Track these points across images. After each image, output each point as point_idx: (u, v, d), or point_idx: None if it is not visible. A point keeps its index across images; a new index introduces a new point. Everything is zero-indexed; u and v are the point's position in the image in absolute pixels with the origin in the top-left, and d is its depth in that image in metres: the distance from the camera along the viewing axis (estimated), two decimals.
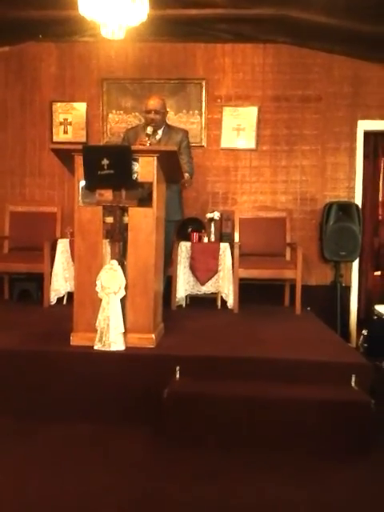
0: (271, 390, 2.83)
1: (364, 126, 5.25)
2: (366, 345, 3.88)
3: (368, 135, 5.32)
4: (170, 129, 4.14)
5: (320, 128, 5.28)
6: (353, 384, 2.90)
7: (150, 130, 3.72)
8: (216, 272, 4.66)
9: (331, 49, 5.13)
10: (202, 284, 4.69)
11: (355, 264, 5.30)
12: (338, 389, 2.85)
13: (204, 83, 5.28)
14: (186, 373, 2.94)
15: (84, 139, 5.33)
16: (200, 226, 5.04)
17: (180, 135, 4.15)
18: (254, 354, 3.13)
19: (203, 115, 5.30)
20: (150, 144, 3.65)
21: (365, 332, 3.97)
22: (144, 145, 3.58)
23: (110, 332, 3.05)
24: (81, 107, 5.39)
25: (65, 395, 2.99)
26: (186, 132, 4.33)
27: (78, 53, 5.38)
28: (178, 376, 2.93)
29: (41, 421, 2.90)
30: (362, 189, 5.34)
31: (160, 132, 4.02)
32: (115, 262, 3.10)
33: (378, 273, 5.61)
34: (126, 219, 3.14)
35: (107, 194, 3.10)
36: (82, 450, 2.64)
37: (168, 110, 4.41)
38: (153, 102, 3.97)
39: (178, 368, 2.93)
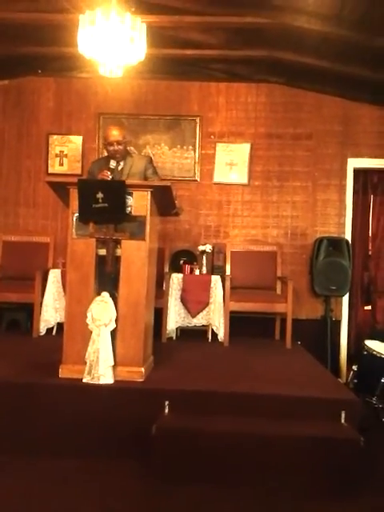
0: (260, 426, 2.81)
1: (354, 163, 5.38)
2: (355, 380, 3.87)
3: (358, 172, 5.46)
4: (131, 157, 3.84)
5: (311, 165, 5.40)
6: (342, 420, 2.88)
7: (113, 164, 3.61)
8: (207, 304, 4.67)
9: (322, 89, 5.31)
10: (193, 316, 4.69)
11: (345, 298, 5.34)
12: (327, 425, 2.84)
13: (198, 120, 5.42)
14: (175, 408, 2.92)
15: (79, 171, 5.41)
16: (192, 258, 5.08)
17: (143, 163, 3.83)
18: (243, 390, 3.11)
19: (197, 150, 5.42)
20: (112, 177, 3.52)
21: (355, 367, 3.96)
22: (106, 177, 3.48)
23: (100, 365, 3.03)
24: (77, 140, 5.49)
25: (52, 428, 2.95)
26: (149, 158, 4.09)
27: (76, 88, 5.52)
28: (166, 411, 2.91)
29: (27, 454, 2.84)
30: (351, 224, 5.43)
31: (122, 162, 3.74)
32: (106, 294, 3.10)
33: (368, 307, 5.65)
34: (118, 251, 3.17)
35: (101, 227, 3.13)
36: (68, 484, 2.59)
37: (128, 139, 4.21)
38: (115, 133, 3.66)
39: (166, 403, 2.91)
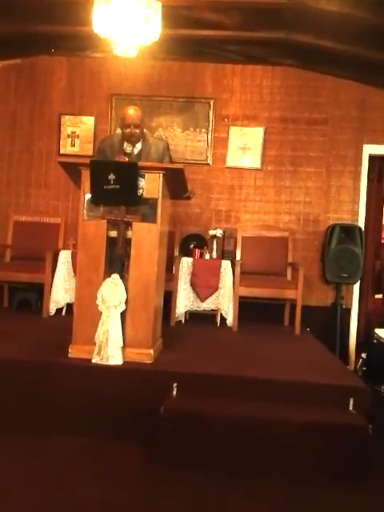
0: (268, 410, 2.81)
1: (369, 150, 5.30)
2: (364, 368, 3.87)
3: (373, 159, 5.37)
4: (148, 141, 3.65)
5: (325, 150, 5.33)
6: (351, 408, 2.88)
7: (129, 148, 3.43)
8: (216, 289, 4.65)
9: (339, 73, 5.20)
10: (202, 300, 4.68)
11: (356, 286, 5.30)
12: (335, 412, 2.84)
13: (212, 102, 5.35)
14: (183, 390, 2.93)
15: (91, 152, 5.37)
16: (202, 242, 5.06)
17: (161, 148, 3.65)
18: (251, 374, 3.12)
19: (210, 134, 5.36)
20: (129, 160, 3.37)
21: (364, 355, 3.96)
22: (124, 161, 3.34)
23: (109, 346, 3.04)
24: (89, 121, 5.46)
25: (61, 407, 2.98)
26: (166, 143, 3.85)
27: (89, 68, 5.46)
28: (174, 393, 2.92)
29: (36, 432, 2.88)
30: (365, 212, 5.37)
31: (139, 145, 3.55)
32: (117, 276, 3.10)
33: (378, 296, 5.61)
34: (129, 234, 3.15)
35: (112, 209, 3.12)
36: (76, 463, 2.62)
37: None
38: (132, 114, 3.43)
39: (175, 385, 2.92)
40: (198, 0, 4.15)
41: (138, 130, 3.49)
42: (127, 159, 3.40)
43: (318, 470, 2.63)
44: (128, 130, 3.46)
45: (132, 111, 3.46)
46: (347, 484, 2.57)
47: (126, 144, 3.52)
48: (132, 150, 3.52)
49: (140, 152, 3.57)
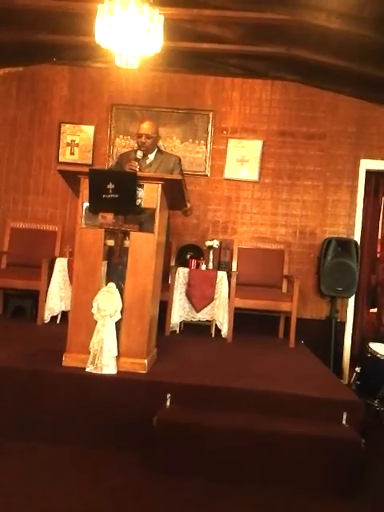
0: (261, 422, 2.81)
1: (366, 165, 5.35)
2: (358, 382, 3.86)
3: (370, 174, 5.42)
4: (162, 154, 4.05)
5: (323, 165, 5.37)
6: (344, 422, 2.88)
7: (139, 154, 3.70)
8: (212, 300, 4.66)
9: (338, 89, 5.27)
10: (198, 311, 4.69)
11: (351, 300, 5.33)
12: (328, 425, 2.83)
13: (211, 114, 5.40)
14: (176, 401, 2.92)
15: (90, 161, 5.41)
16: (199, 253, 5.07)
17: (172, 162, 4.05)
18: (245, 386, 3.11)
19: (209, 145, 5.40)
20: (139, 169, 3.64)
21: (358, 369, 3.95)
22: (134, 169, 3.58)
23: (103, 355, 3.04)
24: (89, 130, 5.49)
25: (54, 415, 2.96)
26: (178, 158, 4.24)
27: (90, 77, 5.51)
28: (168, 403, 2.91)
29: (28, 440, 2.86)
30: (361, 226, 5.40)
31: (151, 157, 3.94)
32: (113, 285, 3.11)
33: (373, 310, 5.62)
34: (126, 243, 3.16)
35: (110, 217, 3.13)
36: (68, 471, 2.61)
37: (160, 135, 4.37)
38: (145, 126, 3.90)
39: (168, 395, 2.92)
40: (200, 14, 4.20)
41: (149, 141, 3.87)
42: (138, 165, 3.63)
43: (310, 482, 2.62)
44: (139, 140, 3.89)
45: (145, 123, 3.98)
46: (340, 497, 2.56)
47: (138, 152, 3.76)
48: (144, 159, 3.79)
49: (151, 163, 3.90)
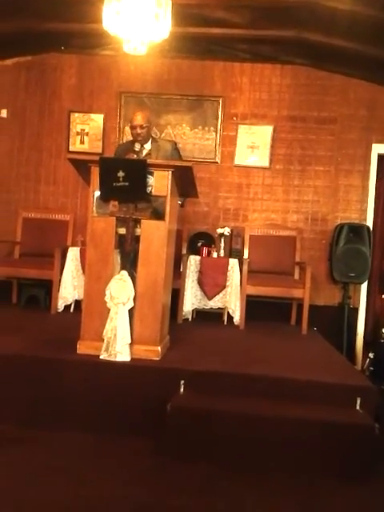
0: (274, 408, 2.82)
1: (378, 149, 5.28)
2: (371, 368, 3.87)
3: (382, 158, 5.34)
4: (156, 142, 3.99)
5: (334, 149, 5.31)
6: (357, 407, 2.88)
7: (137, 146, 3.63)
8: (224, 287, 4.66)
9: (349, 72, 5.18)
10: (209, 299, 4.70)
11: (364, 286, 5.29)
12: (342, 411, 2.83)
13: (221, 101, 5.35)
14: (190, 387, 2.94)
15: (100, 150, 5.40)
16: (210, 240, 5.07)
17: (169, 148, 3.97)
18: (258, 372, 3.12)
19: (218, 132, 5.36)
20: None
21: (371, 355, 3.96)
22: None
23: (117, 342, 3.06)
24: (98, 119, 5.47)
25: (68, 403, 3.00)
26: (174, 143, 4.22)
27: (99, 65, 5.48)
28: (182, 390, 2.93)
29: (43, 428, 2.90)
30: (373, 211, 5.35)
31: (148, 146, 3.87)
32: (125, 273, 3.12)
33: None
34: (138, 231, 3.17)
35: (121, 206, 3.13)
36: (83, 458, 2.64)
37: (151, 122, 4.18)
38: (138, 118, 3.84)
39: (182, 382, 2.93)
40: None
41: (144, 131, 3.80)
42: (135, 157, 3.51)
43: (323, 468, 2.63)
44: (134, 131, 3.79)
45: (137, 114, 3.86)
46: (353, 483, 2.57)
47: (135, 144, 3.66)
48: (141, 149, 3.69)
49: (149, 152, 3.79)
